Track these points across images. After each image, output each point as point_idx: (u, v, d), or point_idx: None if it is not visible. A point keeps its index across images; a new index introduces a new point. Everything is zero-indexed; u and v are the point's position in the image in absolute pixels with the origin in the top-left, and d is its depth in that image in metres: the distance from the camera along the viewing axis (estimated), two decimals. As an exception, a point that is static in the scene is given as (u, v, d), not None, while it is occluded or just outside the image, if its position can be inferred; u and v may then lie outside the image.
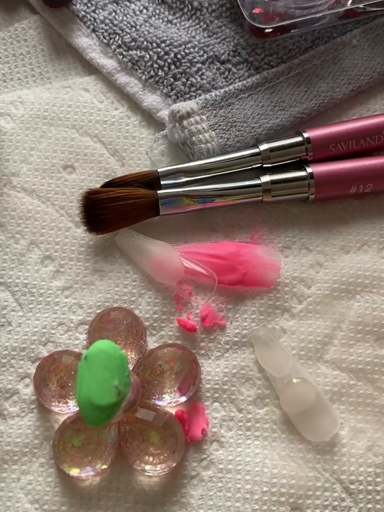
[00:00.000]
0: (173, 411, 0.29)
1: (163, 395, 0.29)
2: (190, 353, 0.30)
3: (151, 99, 0.35)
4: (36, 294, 0.31)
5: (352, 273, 0.32)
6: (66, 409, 0.29)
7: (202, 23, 0.36)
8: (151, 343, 0.31)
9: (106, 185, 0.32)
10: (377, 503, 0.29)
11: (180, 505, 0.28)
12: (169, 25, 0.36)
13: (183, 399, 0.29)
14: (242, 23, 0.36)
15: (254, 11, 0.34)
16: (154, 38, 0.35)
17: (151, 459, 0.28)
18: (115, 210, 0.31)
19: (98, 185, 0.33)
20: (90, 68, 0.36)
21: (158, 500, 0.28)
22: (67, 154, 0.34)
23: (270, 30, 0.35)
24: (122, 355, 0.24)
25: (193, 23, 0.36)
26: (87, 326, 0.31)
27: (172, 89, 0.35)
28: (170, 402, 0.29)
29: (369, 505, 0.29)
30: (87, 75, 0.36)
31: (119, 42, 0.35)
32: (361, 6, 0.36)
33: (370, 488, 0.29)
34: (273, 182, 0.32)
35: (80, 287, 0.32)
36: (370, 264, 0.32)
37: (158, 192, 0.32)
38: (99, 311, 0.31)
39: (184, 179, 0.33)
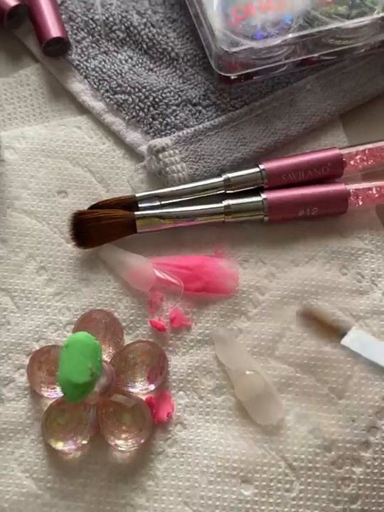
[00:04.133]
0: (143, 397, 0.34)
1: (135, 383, 0.34)
2: (159, 348, 0.35)
3: (132, 136, 0.41)
4: (32, 299, 0.37)
5: (300, 283, 0.38)
6: (54, 394, 0.34)
7: (178, 71, 0.43)
8: (128, 340, 0.36)
9: (92, 207, 0.38)
10: (317, 478, 0.33)
11: (148, 477, 0.33)
12: (150, 72, 0.43)
13: (152, 387, 0.34)
14: (212, 71, 0.42)
15: (220, 61, 0.41)
16: (137, 84, 0.41)
17: (123, 435, 0.33)
18: (99, 228, 0.37)
19: (86, 208, 0.39)
20: (82, 109, 0.42)
21: (130, 472, 0.33)
22: (61, 181, 0.40)
23: (235, 77, 0.41)
24: (96, 343, 0.30)
25: (170, 71, 0.43)
26: (73, 326, 0.36)
27: (151, 128, 0.41)
28: (141, 389, 0.34)
29: (309, 480, 0.33)
30: (80, 114, 0.42)
31: (107, 87, 0.42)
32: (316, 55, 0.42)
33: (310, 465, 0.34)
34: (233, 206, 0.38)
35: (68, 293, 0.37)
36: (316, 275, 0.38)
37: (136, 213, 0.37)
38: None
39: (158, 203, 0.38)
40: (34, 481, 0.33)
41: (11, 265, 0.38)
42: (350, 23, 0.40)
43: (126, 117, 0.41)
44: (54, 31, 0.42)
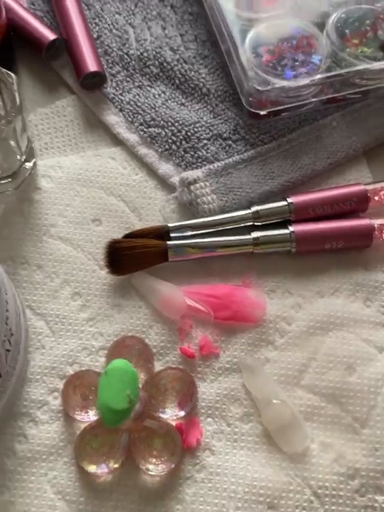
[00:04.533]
0: (173, 423, 0.35)
1: (166, 409, 0.35)
2: (189, 375, 0.36)
3: (165, 168, 0.42)
4: (66, 324, 0.38)
5: (326, 314, 0.39)
6: (87, 417, 0.35)
7: (209, 106, 0.44)
8: (158, 366, 0.37)
9: (126, 236, 0.39)
10: (340, 506, 0.34)
11: (176, 501, 0.34)
12: (182, 107, 0.44)
13: (182, 413, 0.35)
14: (242, 107, 0.43)
15: (250, 98, 0.42)
16: (170, 118, 0.43)
17: (153, 460, 0.34)
18: (133, 256, 0.38)
19: (120, 236, 0.40)
20: (117, 141, 0.44)
21: (159, 496, 0.34)
22: (95, 210, 0.41)
23: (264, 113, 0.43)
24: (134, 371, 0.31)
25: (202, 106, 0.44)
26: (106, 351, 0.37)
27: (182, 160, 0.42)
28: (171, 415, 0.35)
29: (333, 507, 0.34)
30: (114, 146, 0.44)
31: (141, 120, 0.43)
32: (342, 94, 0.44)
33: (334, 493, 0.34)
34: (262, 237, 0.39)
35: (101, 319, 0.38)
36: (341, 307, 0.39)
37: (168, 242, 0.39)
38: (116, 338, 0.38)
39: (189, 233, 0.40)
40: (66, 503, 0.34)
41: (47, 290, 0.39)
42: (377, 65, 0.41)
43: (159, 150, 0.43)
44: (91, 65, 0.44)
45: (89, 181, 0.42)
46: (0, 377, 0.32)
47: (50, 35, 0.45)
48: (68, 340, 0.38)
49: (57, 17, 0.46)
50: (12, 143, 0.38)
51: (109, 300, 0.39)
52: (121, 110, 0.44)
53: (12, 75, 0.37)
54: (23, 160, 0.40)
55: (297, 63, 0.42)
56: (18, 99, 0.37)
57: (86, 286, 0.39)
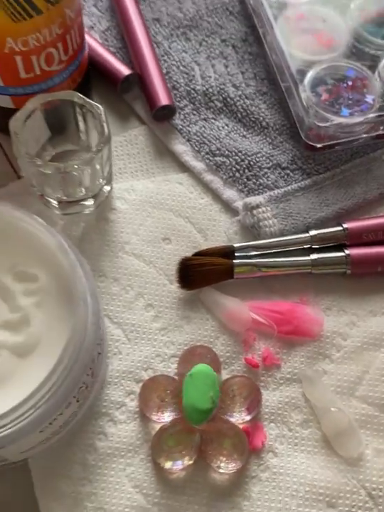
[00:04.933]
0: (240, 427, 0.39)
1: (234, 413, 0.38)
2: (254, 383, 0.40)
3: (229, 193, 0.46)
4: (140, 332, 0.42)
5: (378, 331, 0.42)
6: (162, 418, 0.38)
7: (268, 138, 0.49)
8: (224, 375, 0.41)
9: (195, 254, 0.43)
10: (393, 508, 0.38)
11: (243, 498, 0.37)
12: (244, 138, 0.48)
13: (248, 418, 0.39)
14: (298, 139, 0.48)
15: (309, 132, 0.46)
16: (233, 149, 0.47)
17: (224, 459, 0.37)
18: (202, 273, 0.42)
19: (188, 254, 0.43)
20: (184, 168, 0.48)
21: (227, 493, 0.37)
22: (165, 230, 0.45)
23: (320, 146, 0.47)
24: (215, 374, 0.34)
25: (262, 138, 0.49)
26: (177, 358, 0.41)
27: (245, 187, 0.46)
28: (238, 419, 0.39)
29: (387, 509, 0.38)
30: (182, 172, 0.48)
31: (207, 150, 0.48)
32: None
33: (388, 495, 0.38)
34: (320, 259, 0.43)
35: (172, 329, 0.42)
36: (392, 325, 0.43)
37: (234, 261, 0.43)
38: (186, 347, 0.41)
39: (253, 253, 0.44)
40: (143, 496, 0.37)
41: (123, 301, 0.43)
42: None
43: (224, 177, 0.47)
44: (164, 99, 0.48)
45: (159, 204, 0.46)
46: (92, 378, 0.35)
47: (125, 70, 0.49)
48: (143, 348, 0.41)
49: (130, 54, 0.51)
50: (98, 167, 0.42)
51: (178, 312, 0.43)
52: (188, 140, 0.48)
53: (100, 106, 0.42)
54: (103, 183, 0.44)
55: (351, 102, 0.46)
56: (106, 130, 0.41)
57: (158, 299, 0.43)
